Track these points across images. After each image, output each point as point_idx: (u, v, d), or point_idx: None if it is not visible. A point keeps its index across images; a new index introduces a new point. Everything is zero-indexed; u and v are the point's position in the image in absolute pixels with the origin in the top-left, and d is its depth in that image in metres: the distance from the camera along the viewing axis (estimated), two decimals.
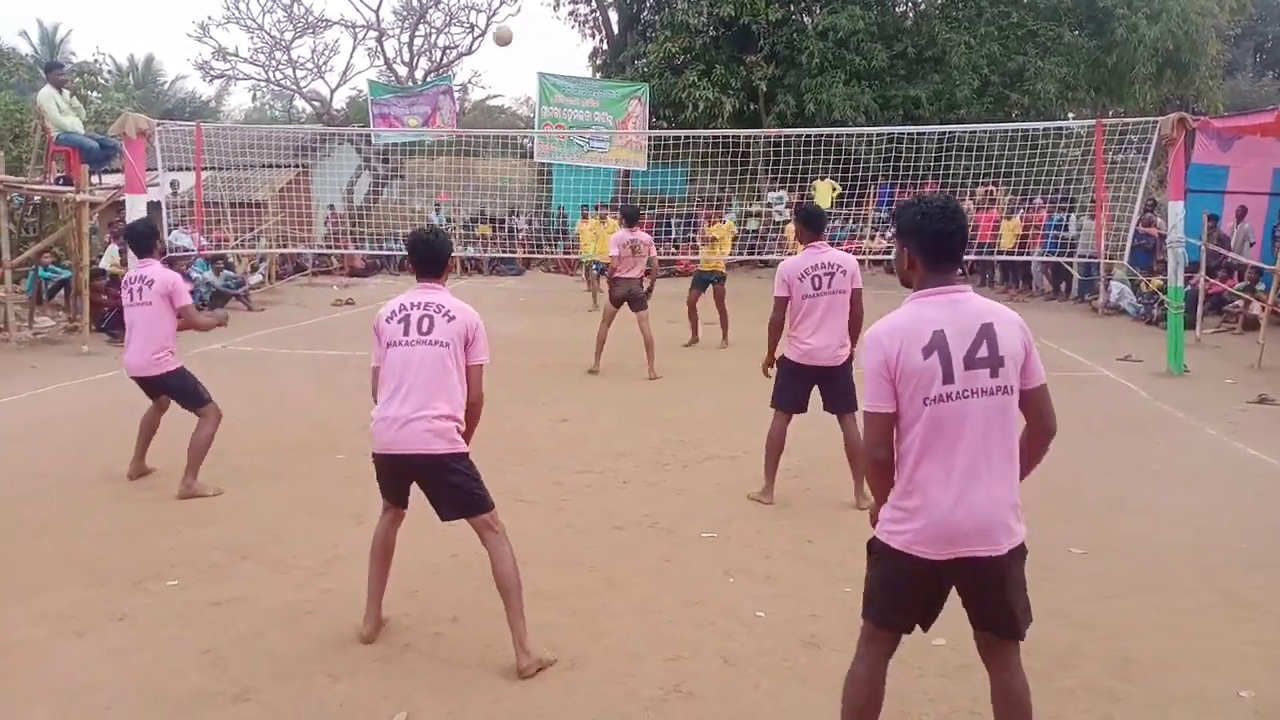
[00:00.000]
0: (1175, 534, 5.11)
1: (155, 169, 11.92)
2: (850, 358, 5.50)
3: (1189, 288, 10.97)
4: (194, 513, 5.43)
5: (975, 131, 14.34)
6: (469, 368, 3.75)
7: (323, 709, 3.34)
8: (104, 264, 12.94)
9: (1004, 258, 16.17)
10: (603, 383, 9.45)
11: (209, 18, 39.84)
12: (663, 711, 3.33)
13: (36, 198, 13.71)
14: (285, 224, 18.80)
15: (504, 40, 17.30)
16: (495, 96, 41.94)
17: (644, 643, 3.83)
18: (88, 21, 59.79)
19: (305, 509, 5.50)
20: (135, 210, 9.62)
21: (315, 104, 30.33)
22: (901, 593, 2.67)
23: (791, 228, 12.03)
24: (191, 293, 7.08)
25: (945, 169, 14.90)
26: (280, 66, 28.78)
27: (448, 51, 29.37)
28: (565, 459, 6.59)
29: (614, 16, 27.90)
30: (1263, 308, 10.89)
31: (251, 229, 18.60)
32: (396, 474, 3.76)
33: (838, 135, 14.63)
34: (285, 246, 18.94)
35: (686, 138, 19.61)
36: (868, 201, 18.15)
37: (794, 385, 5.58)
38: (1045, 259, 15.61)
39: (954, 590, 2.68)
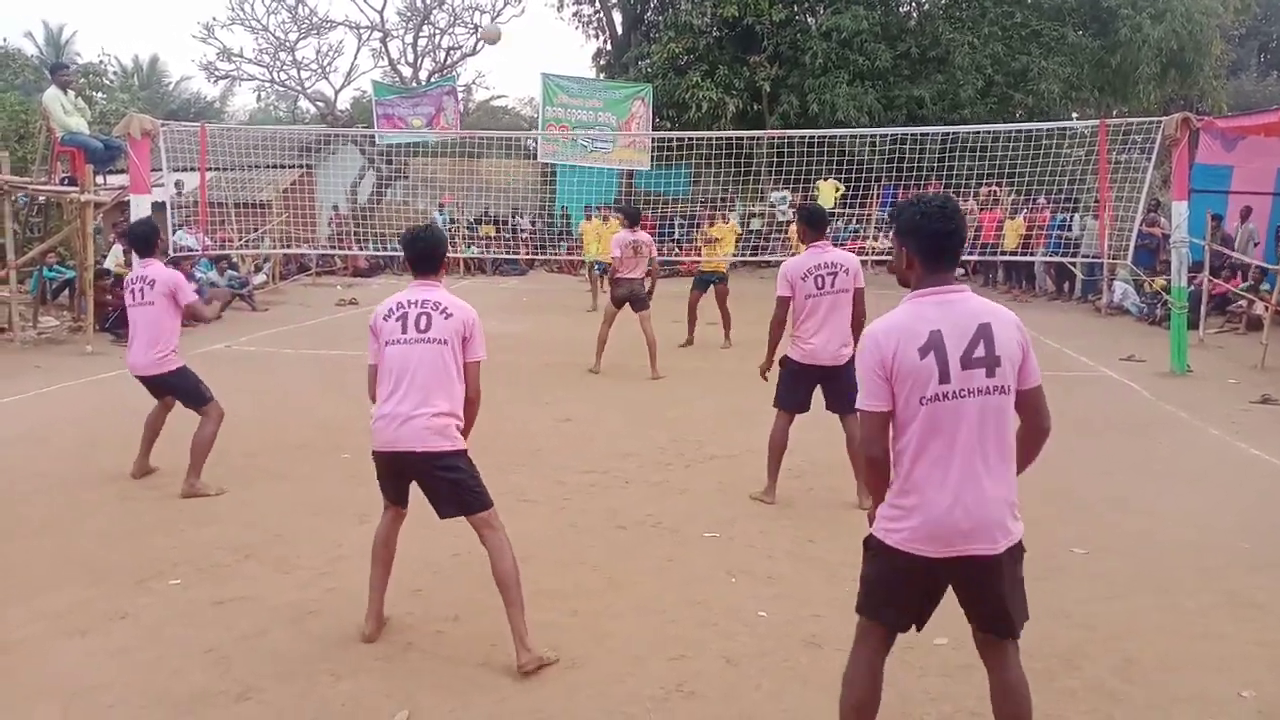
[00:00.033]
0: (1178, 534, 5.10)
1: (160, 169, 11.95)
2: (853, 357, 5.50)
3: (1192, 288, 10.96)
4: (197, 512, 5.44)
5: (979, 132, 14.32)
6: (466, 364, 3.76)
7: (325, 708, 3.35)
8: (108, 264, 12.98)
9: (1007, 258, 16.14)
10: (605, 383, 9.45)
11: (214, 19, 39.90)
12: (665, 711, 3.33)
13: (41, 198, 13.74)
14: (289, 224, 18.83)
15: (492, 39, 17.29)
16: (499, 97, 41.93)
17: (646, 642, 3.84)
18: (93, 22, 60.03)
19: (309, 508, 5.51)
20: (140, 211, 9.64)
21: (319, 105, 30.40)
22: (897, 590, 2.68)
23: (794, 228, 12.04)
24: (197, 291, 7.10)
25: (949, 169, 14.88)
26: (285, 67, 28.84)
27: (452, 52, 29.39)
28: (568, 459, 6.60)
29: (617, 17, 27.92)
30: (1266, 308, 10.87)
31: (255, 229, 18.64)
32: (396, 472, 3.76)
33: (841, 136, 14.61)
34: (289, 247, 18.97)
35: (690, 139, 19.62)
36: (871, 202, 18.14)
37: (796, 385, 5.59)
38: (1049, 259, 15.59)
39: (952, 590, 2.69)
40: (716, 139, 18.73)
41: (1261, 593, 4.32)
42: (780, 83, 23.58)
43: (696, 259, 12.54)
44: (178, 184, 14.74)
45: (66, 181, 11.65)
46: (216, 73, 28.79)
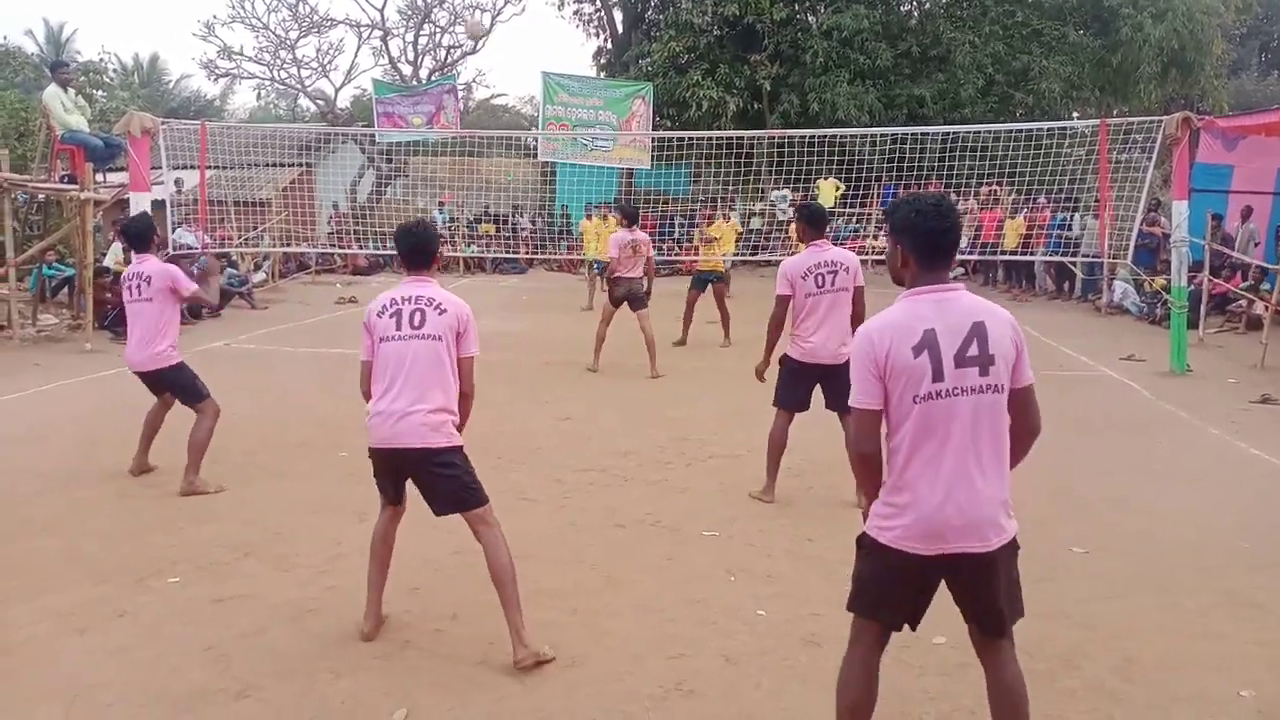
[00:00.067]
0: (1178, 534, 5.10)
1: (160, 167, 11.96)
2: None
3: (1192, 287, 10.95)
4: (196, 510, 5.44)
5: (979, 131, 14.32)
6: (461, 359, 3.76)
7: (324, 706, 3.35)
8: (108, 262, 12.96)
9: (1007, 257, 16.14)
10: (605, 381, 9.45)
11: (214, 17, 39.82)
12: (664, 710, 3.33)
13: (41, 196, 13.74)
14: (289, 222, 18.84)
15: (477, 33, 17.22)
16: (499, 95, 41.99)
17: (645, 641, 3.83)
18: (93, 20, 60.01)
19: (308, 506, 5.51)
20: (139, 209, 9.63)
21: (319, 103, 30.39)
22: (890, 587, 2.68)
23: (794, 227, 12.06)
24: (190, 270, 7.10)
25: (949, 168, 14.87)
26: (285, 65, 28.83)
27: (452, 50, 29.35)
28: (567, 457, 6.60)
29: (618, 16, 27.90)
30: (1266, 307, 10.87)
31: (255, 227, 18.64)
32: (393, 469, 3.77)
33: (841, 135, 14.61)
34: (289, 245, 18.96)
35: (690, 138, 19.60)
36: (871, 201, 18.13)
37: (796, 384, 5.58)
38: (1049, 259, 15.58)
39: (947, 588, 2.69)
40: (717, 138, 18.72)
41: (1261, 592, 4.32)
42: (781, 81, 23.57)
43: (696, 259, 12.54)
44: (177, 182, 14.75)
45: (66, 179, 11.65)
46: (217, 71, 28.82)
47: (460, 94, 27.17)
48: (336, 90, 30.41)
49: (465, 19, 19.16)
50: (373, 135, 23.30)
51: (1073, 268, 15.98)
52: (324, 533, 5.06)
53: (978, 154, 14.30)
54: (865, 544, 2.72)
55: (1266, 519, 5.35)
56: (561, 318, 14.32)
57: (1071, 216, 15.99)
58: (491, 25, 28.49)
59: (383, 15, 28.37)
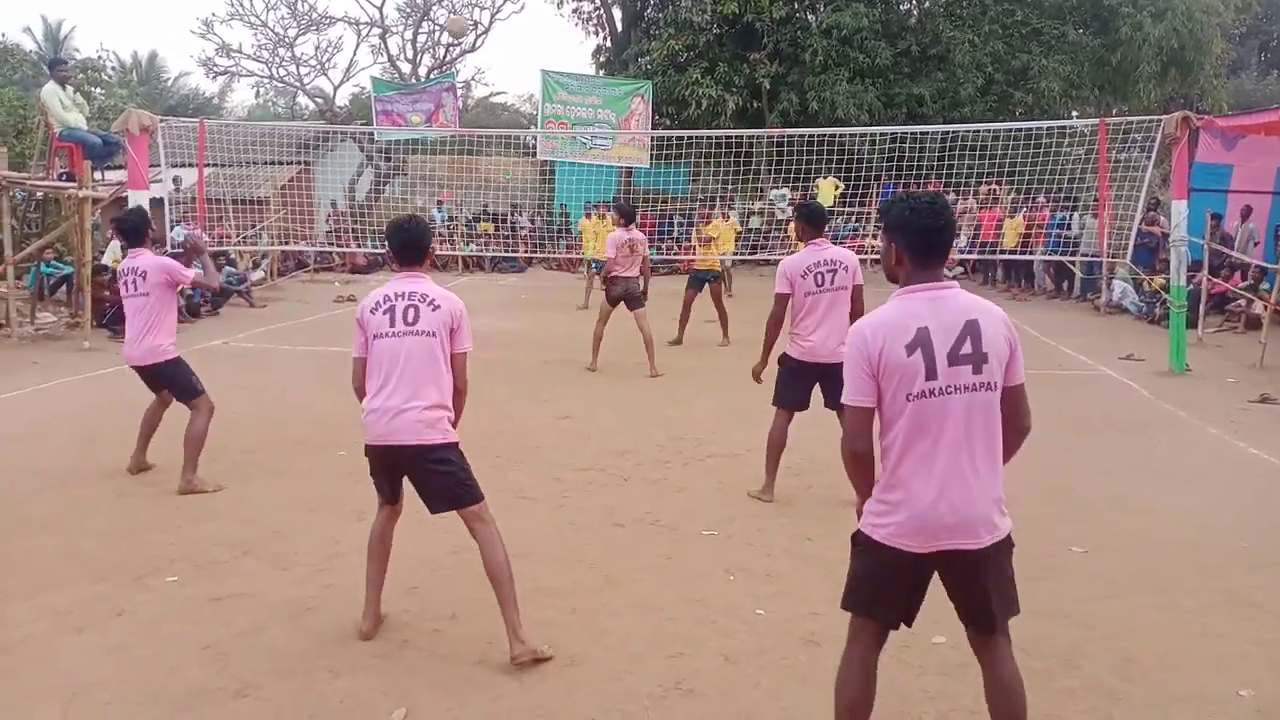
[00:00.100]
0: (1177, 533, 5.10)
1: (158, 165, 11.96)
2: None
3: (1191, 287, 10.95)
4: (194, 508, 5.44)
5: (979, 130, 14.32)
6: (454, 355, 3.75)
7: (323, 705, 3.35)
8: (106, 260, 12.96)
9: (1007, 257, 16.14)
10: (603, 380, 9.44)
11: (213, 14, 40.05)
12: (663, 709, 3.33)
13: (39, 194, 13.72)
14: (287, 220, 18.81)
15: (458, 32, 17.13)
16: (498, 94, 42.07)
17: (644, 640, 3.83)
18: (92, 18, 59.84)
19: (306, 505, 5.51)
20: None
21: (318, 101, 30.39)
22: (884, 585, 2.69)
23: (793, 225, 12.06)
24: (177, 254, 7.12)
25: (948, 167, 14.89)
26: (284, 63, 28.86)
27: (451, 49, 29.37)
28: (566, 456, 6.59)
29: (617, 14, 27.89)
30: (1265, 307, 10.87)
31: (254, 225, 18.62)
32: (389, 466, 3.76)
33: (841, 134, 14.61)
34: (287, 243, 18.96)
35: (689, 136, 19.60)
36: (871, 200, 18.14)
37: (795, 383, 5.58)
38: (1048, 258, 15.59)
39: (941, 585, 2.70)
40: (716, 137, 18.71)
41: (1260, 592, 4.32)
42: (780, 80, 23.57)
43: (694, 258, 12.54)
44: (176, 180, 14.73)
45: (64, 177, 11.64)
46: (215, 68, 28.85)
47: (459, 92, 27.15)
48: (335, 88, 30.49)
49: (448, 17, 19.11)
50: (371, 133, 23.29)
51: (1072, 267, 15.99)
52: (322, 531, 5.05)
53: (977, 153, 14.30)
54: (860, 542, 2.73)
55: (1265, 518, 5.35)
56: (560, 316, 14.32)
57: (1070, 216, 16.00)
58: (491, 23, 28.51)
59: (382, 13, 28.41)
